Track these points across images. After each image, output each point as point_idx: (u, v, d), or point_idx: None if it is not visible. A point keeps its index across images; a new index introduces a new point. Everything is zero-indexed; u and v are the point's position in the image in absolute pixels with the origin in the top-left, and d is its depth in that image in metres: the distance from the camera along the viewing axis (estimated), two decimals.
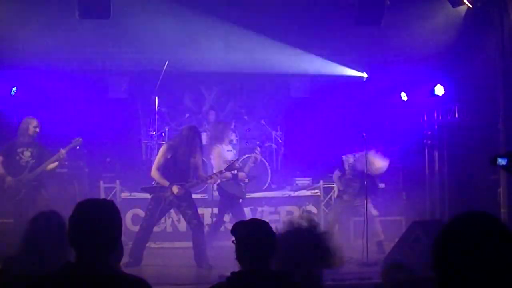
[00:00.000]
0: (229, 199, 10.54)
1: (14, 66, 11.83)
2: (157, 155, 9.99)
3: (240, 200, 10.58)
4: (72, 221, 3.20)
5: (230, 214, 10.70)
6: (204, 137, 13.25)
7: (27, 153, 9.97)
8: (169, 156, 9.53)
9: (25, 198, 9.82)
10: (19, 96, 12.32)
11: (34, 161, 9.95)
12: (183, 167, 9.50)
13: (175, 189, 9.35)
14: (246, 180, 10.66)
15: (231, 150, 10.70)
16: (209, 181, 9.79)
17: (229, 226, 11.47)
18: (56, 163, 10.10)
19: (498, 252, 2.18)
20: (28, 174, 9.87)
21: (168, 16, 11.56)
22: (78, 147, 10.22)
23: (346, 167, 10.97)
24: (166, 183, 9.40)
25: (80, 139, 10.13)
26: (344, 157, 11.05)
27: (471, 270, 2.18)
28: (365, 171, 10.37)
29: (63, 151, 9.94)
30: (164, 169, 9.54)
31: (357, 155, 10.75)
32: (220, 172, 10.05)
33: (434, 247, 2.32)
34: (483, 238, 2.22)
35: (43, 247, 4.18)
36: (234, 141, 13.27)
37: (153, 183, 9.82)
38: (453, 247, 2.25)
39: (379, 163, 10.73)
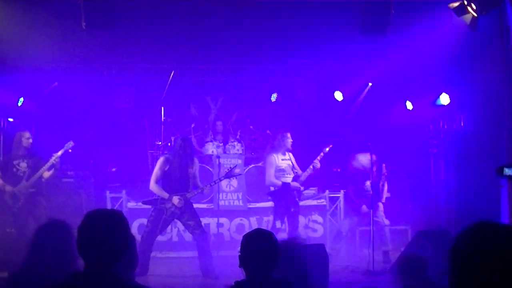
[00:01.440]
0: (282, 206, 10.63)
1: (21, 77, 11.90)
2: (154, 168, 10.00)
3: (292, 208, 10.60)
4: (81, 231, 3.22)
5: (286, 221, 10.80)
6: (209, 146, 13.33)
7: (23, 164, 10.10)
8: (166, 168, 9.56)
9: (24, 207, 9.94)
10: (25, 106, 12.39)
11: (30, 170, 10.06)
12: (182, 178, 9.53)
13: (175, 200, 9.37)
14: (302, 188, 10.75)
15: (286, 159, 10.74)
16: (205, 190, 9.75)
17: (236, 236, 11.55)
18: (52, 170, 10.16)
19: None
20: (25, 183, 9.97)
21: (174, 26, 11.60)
22: (70, 150, 10.26)
23: (361, 162, 11.01)
24: (165, 195, 9.43)
25: (72, 142, 10.22)
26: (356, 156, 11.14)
27: (487, 279, 2.19)
28: (373, 179, 10.42)
29: (56, 156, 10.01)
30: (163, 181, 9.59)
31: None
32: (218, 179, 10.15)
33: (449, 256, 2.33)
34: (499, 247, 2.23)
35: (50, 257, 4.19)
36: (240, 151, 13.30)
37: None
38: (468, 256, 2.26)
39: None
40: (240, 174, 10.49)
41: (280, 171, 10.64)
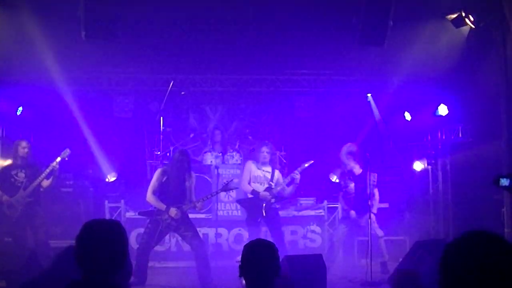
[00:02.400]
0: (250, 215, 10.48)
1: (21, 86, 11.93)
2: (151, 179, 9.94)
3: (259, 219, 10.44)
4: (79, 241, 3.24)
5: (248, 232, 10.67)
6: (208, 156, 13.33)
7: (21, 174, 10.12)
8: (163, 180, 9.52)
9: (21, 217, 9.96)
10: (25, 115, 12.41)
11: (28, 180, 10.07)
12: (178, 190, 9.48)
13: (173, 212, 9.31)
14: (272, 200, 10.40)
15: (265, 171, 10.57)
16: (197, 205, 9.63)
17: (234, 246, 11.57)
18: (51, 179, 10.15)
19: (502, 270, 2.22)
20: (23, 192, 9.97)
21: (173, 37, 11.64)
22: (66, 158, 10.24)
23: (342, 183, 11.11)
24: (163, 206, 9.37)
25: (68, 150, 10.22)
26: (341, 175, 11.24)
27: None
28: (368, 190, 10.41)
29: (54, 163, 10.02)
30: (160, 193, 9.54)
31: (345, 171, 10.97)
32: (215, 192, 10.10)
33: (439, 266, 2.36)
34: (487, 257, 2.25)
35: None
36: (239, 161, 13.30)
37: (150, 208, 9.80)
38: (457, 266, 2.28)
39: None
40: (237, 188, 10.43)
41: (254, 178, 10.49)
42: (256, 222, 10.37)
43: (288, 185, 10.50)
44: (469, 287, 2.24)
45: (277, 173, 10.67)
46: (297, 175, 10.35)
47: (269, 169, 10.60)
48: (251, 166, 10.62)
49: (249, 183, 10.48)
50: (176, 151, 10.21)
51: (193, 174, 9.83)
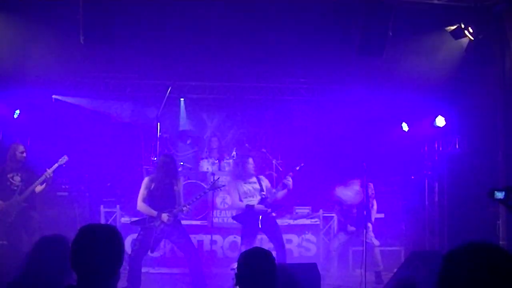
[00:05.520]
0: (247, 230, 10.21)
1: (18, 89, 11.91)
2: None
3: (254, 232, 10.19)
4: (75, 246, 3.23)
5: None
6: (204, 163, 13.32)
7: (17, 178, 10.07)
8: (152, 187, 9.48)
9: (16, 221, 9.89)
10: (22, 119, 12.39)
11: (23, 184, 10.02)
12: (167, 195, 9.44)
13: (164, 217, 9.28)
14: (268, 210, 10.11)
15: (251, 183, 10.31)
16: (184, 208, 9.53)
17: (229, 253, 11.55)
18: (44, 185, 10.11)
19: (503, 280, 2.21)
20: (18, 197, 9.93)
21: (171, 43, 11.65)
22: (64, 165, 10.20)
23: (342, 197, 11.10)
24: (153, 212, 9.32)
25: (66, 157, 10.18)
26: (337, 188, 11.20)
27: None
28: (364, 200, 10.40)
29: (49, 171, 9.99)
30: (150, 200, 9.48)
31: (349, 185, 10.94)
32: (203, 192, 9.92)
33: (438, 277, 2.35)
34: (488, 268, 2.25)
35: (46, 271, 4.17)
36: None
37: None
38: (457, 276, 2.27)
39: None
40: (224, 186, 10.28)
41: (244, 194, 10.21)
42: (252, 234, 10.18)
43: (278, 190, 10.31)
44: None
45: (263, 181, 10.46)
46: (289, 181, 10.15)
47: (254, 179, 10.38)
48: (235, 185, 10.32)
49: (240, 200, 10.20)
50: (161, 155, 10.18)
51: (181, 178, 9.81)
